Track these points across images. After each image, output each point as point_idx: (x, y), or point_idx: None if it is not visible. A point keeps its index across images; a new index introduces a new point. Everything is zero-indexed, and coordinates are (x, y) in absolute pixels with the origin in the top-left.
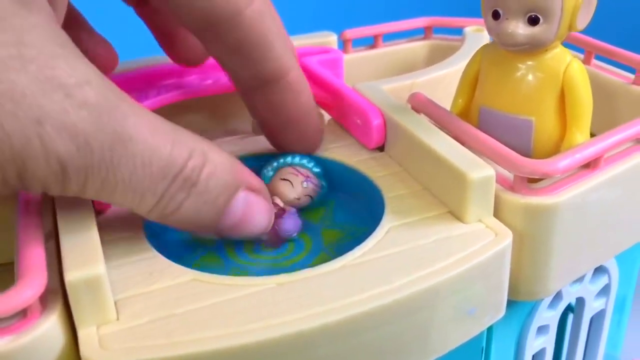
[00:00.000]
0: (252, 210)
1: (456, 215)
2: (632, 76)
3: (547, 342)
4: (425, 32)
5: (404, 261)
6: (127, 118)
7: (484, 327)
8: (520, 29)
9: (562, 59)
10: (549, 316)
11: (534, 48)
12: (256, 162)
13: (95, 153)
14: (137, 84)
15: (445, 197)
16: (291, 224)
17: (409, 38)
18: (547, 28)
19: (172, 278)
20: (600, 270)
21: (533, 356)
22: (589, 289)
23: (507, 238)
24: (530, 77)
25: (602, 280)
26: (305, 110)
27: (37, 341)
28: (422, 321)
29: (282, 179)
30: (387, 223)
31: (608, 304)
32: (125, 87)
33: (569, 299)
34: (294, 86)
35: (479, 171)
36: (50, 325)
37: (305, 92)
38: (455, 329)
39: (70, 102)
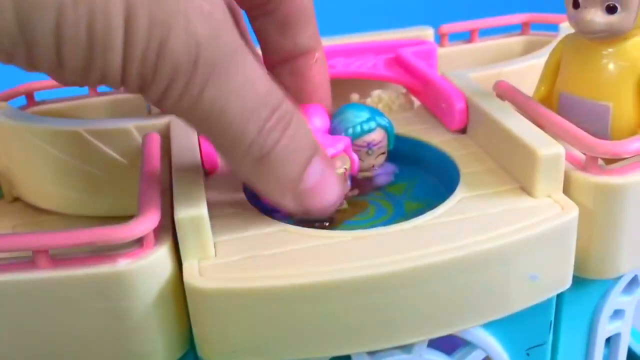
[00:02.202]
0: (326, 180)
1: (526, 191)
2: None
3: (622, 327)
4: (522, 28)
5: (472, 225)
6: (241, 44)
7: (547, 296)
8: (597, 17)
9: None
10: (624, 301)
11: (612, 36)
12: None
13: (219, 51)
14: None
15: (517, 173)
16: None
17: (506, 34)
18: (625, 16)
19: (263, 227)
20: None
21: (607, 340)
22: None
23: (573, 212)
24: (609, 64)
25: None
26: (323, 84)
27: (149, 267)
28: (484, 279)
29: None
30: (460, 194)
31: None
32: None
33: None
34: (320, 61)
35: (549, 148)
36: (161, 255)
37: (325, 72)
38: (516, 291)
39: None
